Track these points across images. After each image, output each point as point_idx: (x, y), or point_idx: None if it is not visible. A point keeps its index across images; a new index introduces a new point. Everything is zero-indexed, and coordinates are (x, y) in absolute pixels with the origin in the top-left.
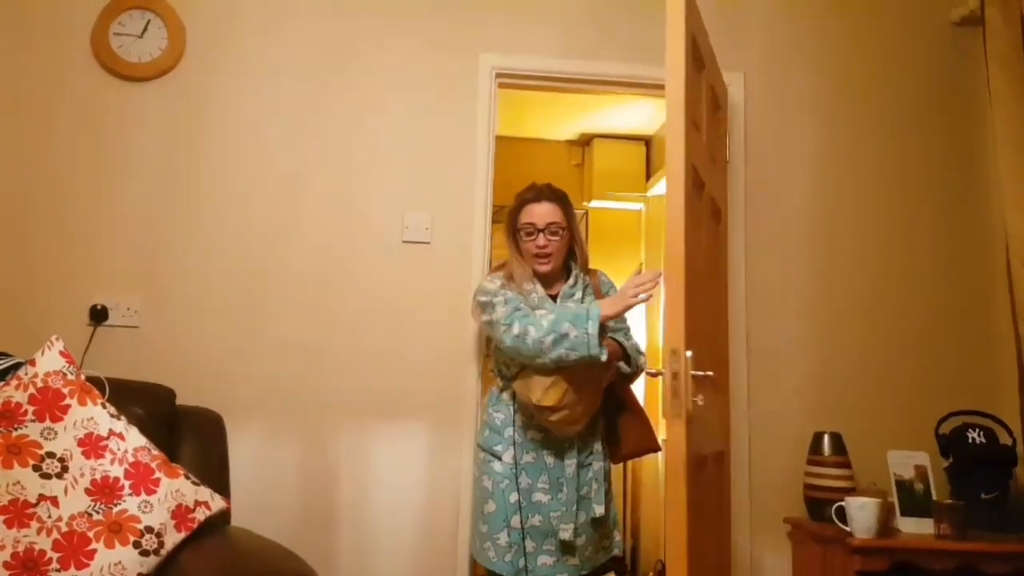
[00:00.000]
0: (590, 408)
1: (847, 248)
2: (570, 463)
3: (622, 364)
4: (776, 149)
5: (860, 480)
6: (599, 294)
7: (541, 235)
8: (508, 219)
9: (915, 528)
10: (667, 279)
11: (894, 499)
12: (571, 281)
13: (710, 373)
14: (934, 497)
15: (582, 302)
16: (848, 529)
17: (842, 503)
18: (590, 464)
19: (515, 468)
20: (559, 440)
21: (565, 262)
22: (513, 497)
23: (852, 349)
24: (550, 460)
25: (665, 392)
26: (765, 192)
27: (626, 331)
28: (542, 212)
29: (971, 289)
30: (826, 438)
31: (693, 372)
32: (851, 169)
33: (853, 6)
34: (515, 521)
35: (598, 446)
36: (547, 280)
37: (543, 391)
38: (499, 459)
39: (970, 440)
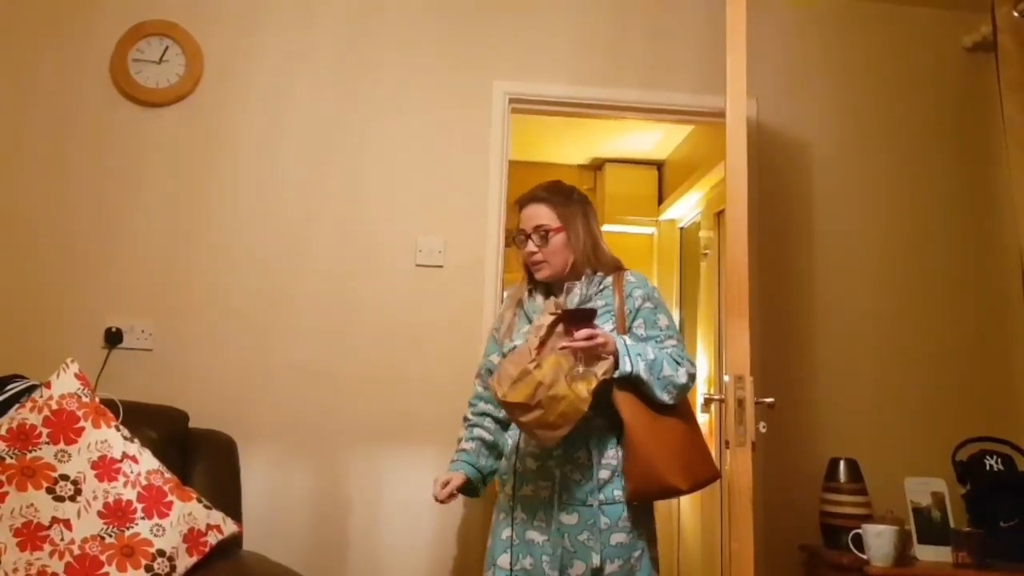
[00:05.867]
0: (572, 412)
1: (860, 273)
2: (560, 500)
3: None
4: (788, 174)
5: (877, 507)
6: (620, 295)
7: (529, 241)
8: None
9: (933, 556)
10: (729, 304)
11: (911, 527)
12: (575, 290)
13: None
14: (952, 525)
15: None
16: (865, 557)
17: (859, 530)
18: (595, 503)
19: (512, 500)
20: (558, 468)
21: (583, 265)
22: (506, 533)
23: (868, 374)
24: (545, 493)
25: (728, 419)
26: (777, 216)
27: (658, 338)
28: (528, 215)
29: (987, 314)
30: (842, 464)
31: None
32: (863, 194)
33: (866, 32)
34: (503, 560)
35: (609, 479)
36: (558, 287)
37: (510, 384)
38: (503, 489)
39: (988, 467)
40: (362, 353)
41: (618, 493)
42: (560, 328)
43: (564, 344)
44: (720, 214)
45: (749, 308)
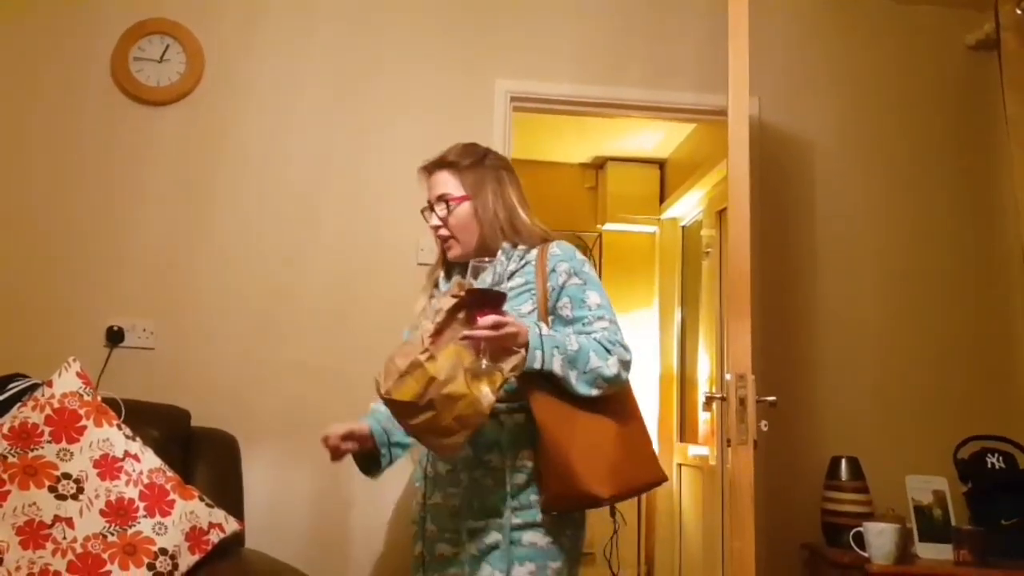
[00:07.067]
0: (472, 415)
1: (862, 270)
2: (471, 509)
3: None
4: (790, 172)
5: (878, 505)
6: (543, 271)
7: (433, 214)
8: None
9: (934, 554)
10: (731, 303)
11: (912, 525)
12: (487, 269)
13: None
14: (953, 523)
15: (505, 282)
16: (866, 555)
17: (860, 528)
18: (508, 511)
19: (423, 510)
20: (467, 472)
21: (495, 239)
22: (417, 548)
23: (869, 372)
24: (455, 501)
25: (729, 418)
26: (779, 214)
27: (585, 320)
28: (432, 184)
29: (989, 312)
30: (843, 462)
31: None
32: (866, 192)
33: (868, 31)
34: None
35: (525, 484)
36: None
37: (396, 379)
38: (416, 497)
39: (989, 465)
40: (364, 351)
41: (535, 498)
42: (463, 315)
43: (465, 333)
44: (722, 212)
45: (751, 306)
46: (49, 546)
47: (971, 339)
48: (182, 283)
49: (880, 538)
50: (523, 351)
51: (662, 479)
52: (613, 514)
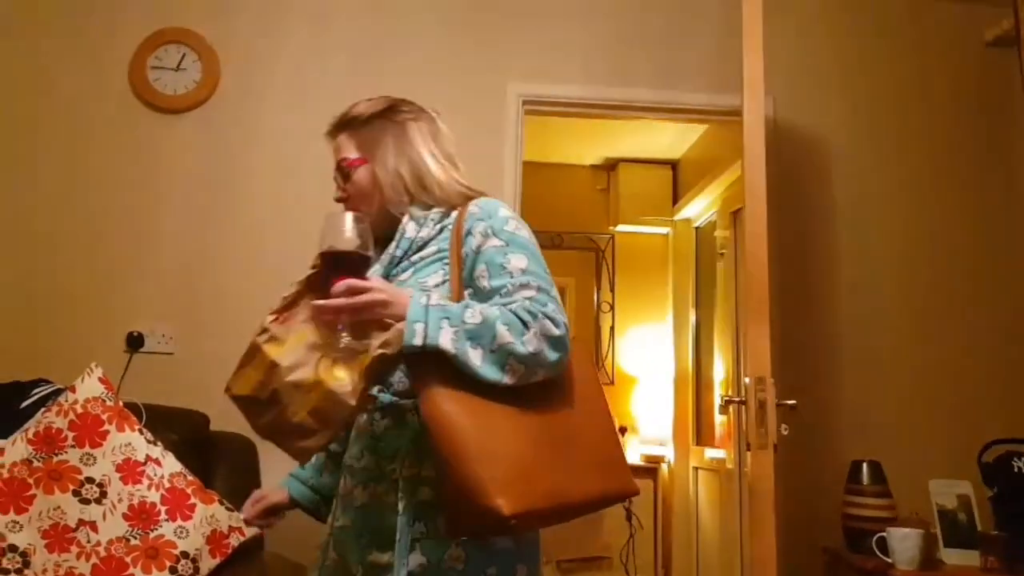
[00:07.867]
0: (331, 409)
1: (882, 272)
2: (370, 536)
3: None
4: (806, 172)
5: (901, 510)
6: (458, 235)
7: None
8: None
9: (960, 560)
10: (749, 305)
11: (937, 530)
12: (402, 231)
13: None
14: (979, 528)
15: (371, 246)
16: (890, 561)
17: (883, 534)
18: (409, 538)
19: (330, 534)
20: (365, 486)
21: (399, 202)
22: None
23: (891, 374)
24: (357, 526)
25: (749, 421)
26: (795, 215)
27: (504, 289)
28: (335, 148)
29: (1012, 313)
30: (865, 467)
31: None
32: (884, 192)
33: (885, 27)
34: None
35: (432, 500)
36: (389, 239)
37: (235, 371)
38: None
39: (1015, 469)
40: None
41: (423, 515)
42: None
43: (313, 304)
44: (736, 213)
45: (769, 308)
46: (74, 549)
47: (994, 340)
48: (200, 289)
49: (904, 543)
50: (401, 324)
51: (629, 490)
52: (629, 518)
